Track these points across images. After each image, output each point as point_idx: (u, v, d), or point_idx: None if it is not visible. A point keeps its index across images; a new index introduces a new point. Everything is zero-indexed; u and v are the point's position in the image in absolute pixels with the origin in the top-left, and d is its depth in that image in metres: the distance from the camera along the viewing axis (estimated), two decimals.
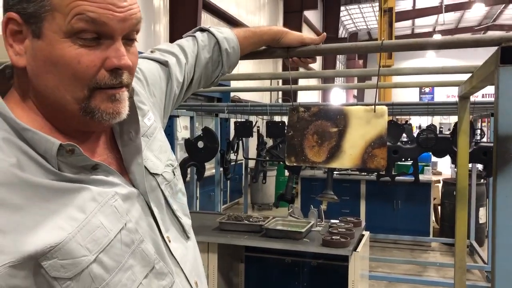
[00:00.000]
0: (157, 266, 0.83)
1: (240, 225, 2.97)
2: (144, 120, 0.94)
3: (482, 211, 5.92)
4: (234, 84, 5.52)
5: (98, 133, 0.86)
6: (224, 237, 2.84)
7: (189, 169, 4.96)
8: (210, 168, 6.21)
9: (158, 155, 0.95)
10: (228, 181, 7.79)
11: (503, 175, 1.13)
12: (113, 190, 0.79)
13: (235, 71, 1.41)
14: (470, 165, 6.03)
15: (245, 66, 9.58)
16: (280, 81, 9.74)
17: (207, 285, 1.08)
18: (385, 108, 1.22)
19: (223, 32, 1.23)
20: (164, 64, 1.11)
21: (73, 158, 0.75)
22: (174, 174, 0.98)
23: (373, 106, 1.22)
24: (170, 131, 5.51)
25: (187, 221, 0.98)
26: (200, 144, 3.53)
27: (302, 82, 11.60)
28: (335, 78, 16.43)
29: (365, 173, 6.16)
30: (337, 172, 6.09)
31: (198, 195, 6.74)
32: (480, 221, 5.89)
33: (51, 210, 0.72)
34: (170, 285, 0.85)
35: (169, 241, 0.89)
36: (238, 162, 6.88)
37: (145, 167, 0.88)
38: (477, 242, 5.61)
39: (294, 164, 1.26)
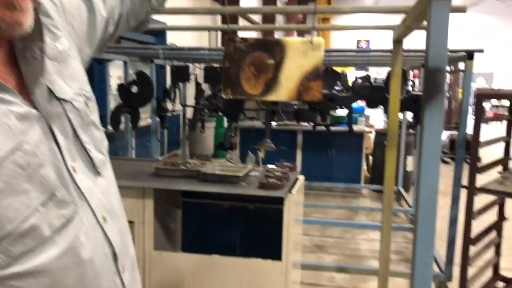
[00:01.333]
0: (58, 193, 0.79)
1: (176, 171, 2.94)
2: (56, 44, 0.88)
3: (410, 159, 6.27)
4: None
5: None
6: (160, 182, 2.80)
7: (123, 117, 4.81)
8: (146, 118, 6.06)
9: (69, 82, 0.89)
10: (166, 132, 7.66)
11: (431, 107, 1.17)
12: (6, 108, 0.73)
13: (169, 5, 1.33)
14: (401, 116, 6.32)
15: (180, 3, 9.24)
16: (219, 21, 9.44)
17: (128, 230, 1.04)
18: (321, 40, 1.21)
19: None
20: None
21: None
22: (87, 106, 0.92)
23: (310, 38, 1.21)
24: (102, 77, 5.27)
25: (98, 156, 0.93)
26: (134, 89, 3.40)
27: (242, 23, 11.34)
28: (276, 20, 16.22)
29: (302, 124, 6.29)
30: (276, 123, 6.16)
31: (134, 145, 6.59)
32: (408, 169, 6.24)
33: None
34: (71, 214, 0.81)
35: (74, 171, 0.84)
36: (176, 113, 6.76)
37: (50, 90, 0.82)
38: (404, 188, 5.96)
39: (230, 96, 1.24)
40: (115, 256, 0.91)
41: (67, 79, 0.88)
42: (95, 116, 0.95)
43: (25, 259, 0.75)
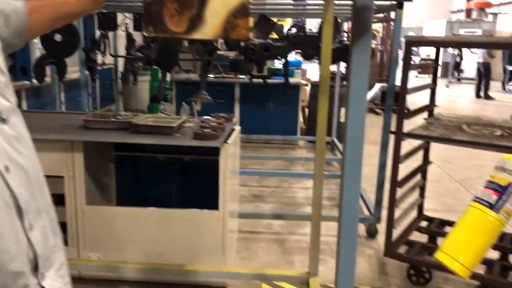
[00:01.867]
0: None
1: (107, 123, 2.82)
2: None
3: (344, 110, 6.44)
4: None
5: None
6: (90, 135, 2.68)
7: (49, 69, 4.52)
8: (76, 71, 5.74)
9: None
10: (98, 86, 7.33)
11: (358, 45, 1.18)
12: None
13: None
14: (335, 68, 6.43)
15: None
16: None
17: (45, 187, 0.99)
18: None
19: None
20: None
21: None
22: None
23: None
24: None
25: (3, 102, 0.86)
26: (58, 37, 3.17)
27: None
28: None
29: (239, 76, 6.24)
30: (212, 76, 6.06)
31: (63, 99, 6.26)
32: (342, 120, 6.41)
33: None
34: None
35: None
36: (108, 66, 6.45)
37: None
38: (338, 139, 6.14)
39: (153, 34, 1.17)
40: (19, 209, 0.86)
41: None
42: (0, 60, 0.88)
43: None
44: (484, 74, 13.23)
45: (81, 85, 5.19)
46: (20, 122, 0.93)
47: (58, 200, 2.74)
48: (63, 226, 2.74)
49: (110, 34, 4.56)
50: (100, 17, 3.81)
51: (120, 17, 4.28)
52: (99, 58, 4.62)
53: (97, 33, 4.47)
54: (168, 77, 5.43)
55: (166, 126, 2.71)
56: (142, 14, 3.74)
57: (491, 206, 0.82)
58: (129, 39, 4.33)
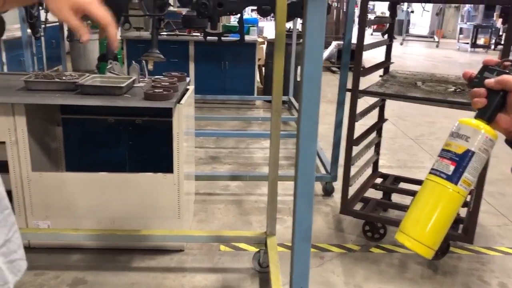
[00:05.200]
0: None
1: (51, 83, 2.63)
2: None
3: (300, 69, 6.38)
4: None
5: None
6: (32, 97, 2.50)
7: None
8: (17, 29, 5.36)
9: None
10: (44, 45, 6.91)
11: (314, 1, 1.10)
12: None
13: None
14: (290, 26, 6.31)
15: None
16: None
17: None
18: None
19: None
20: None
21: None
22: None
23: None
24: None
25: None
26: None
27: None
28: None
29: (194, 34, 6.02)
30: (165, 34, 5.82)
31: (4, 60, 5.87)
32: (299, 79, 6.37)
33: None
34: None
35: None
36: (52, 24, 6.05)
37: None
38: (295, 98, 6.11)
39: None
40: None
41: None
42: None
43: None
44: None
45: (24, 44, 4.87)
46: None
47: (1, 167, 2.58)
48: (9, 194, 2.59)
49: None
50: None
51: None
52: (42, 15, 4.32)
53: None
54: (118, 35, 5.16)
55: (115, 86, 2.56)
56: None
57: (448, 178, 0.77)
58: None
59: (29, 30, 4.98)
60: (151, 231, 2.67)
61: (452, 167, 0.76)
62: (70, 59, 8.21)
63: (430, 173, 0.79)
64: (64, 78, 2.71)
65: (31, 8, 4.00)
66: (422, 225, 0.76)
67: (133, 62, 2.96)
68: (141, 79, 2.93)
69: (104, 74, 2.88)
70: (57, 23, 6.22)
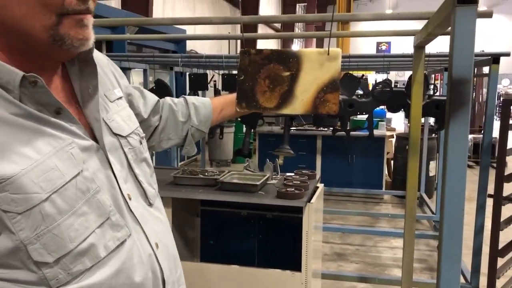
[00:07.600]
0: (112, 217, 0.84)
1: (195, 179, 2.92)
2: (114, 90, 1.00)
3: (432, 164, 6.13)
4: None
5: (56, 84, 0.86)
6: (179, 191, 2.78)
7: None
8: None
9: (127, 121, 0.97)
10: None
11: (456, 119, 1.12)
12: (71, 139, 0.80)
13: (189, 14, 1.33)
14: (422, 120, 6.19)
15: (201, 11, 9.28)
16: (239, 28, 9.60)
17: (177, 258, 1.08)
18: (338, 50, 1.16)
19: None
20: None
21: (35, 90, 0.75)
22: (141, 144, 1.01)
23: (326, 49, 1.16)
24: None
25: (150, 189, 0.99)
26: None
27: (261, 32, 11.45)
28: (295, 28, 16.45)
29: (322, 129, 6.23)
30: (294, 128, 6.11)
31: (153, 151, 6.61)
32: (430, 174, 6.11)
33: (6, 144, 0.72)
34: (125, 237, 0.86)
35: (129, 199, 0.89)
36: None
37: (108, 126, 0.91)
38: (427, 194, 5.83)
39: (245, 110, 1.20)
40: (164, 282, 0.94)
41: (125, 117, 0.99)
42: (147, 154, 1.03)
43: (82, 277, 0.79)
44: None
45: None
46: (161, 205, 1.07)
47: None
48: None
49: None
50: (191, 77, 4.03)
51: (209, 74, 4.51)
52: None
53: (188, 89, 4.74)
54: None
55: (250, 184, 2.74)
56: (229, 75, 3.91)
57: None
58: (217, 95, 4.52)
59: None
60: None
61: None
62: (208, 150, 8.96)
63: None
64: (206, 174, 2.98)
65: None
66: None
67: (267, 160, 3.15)
68: (274, 176, 3.09)
69: (241, 171, 3.10)
70: None
